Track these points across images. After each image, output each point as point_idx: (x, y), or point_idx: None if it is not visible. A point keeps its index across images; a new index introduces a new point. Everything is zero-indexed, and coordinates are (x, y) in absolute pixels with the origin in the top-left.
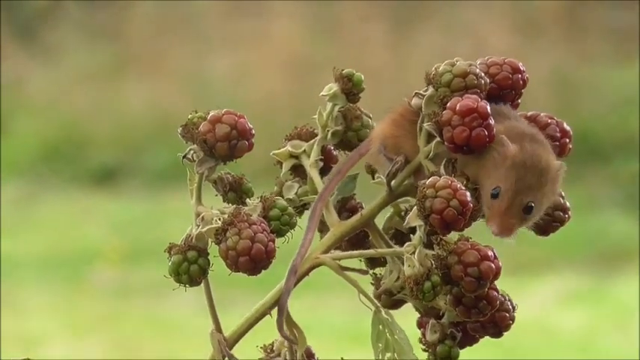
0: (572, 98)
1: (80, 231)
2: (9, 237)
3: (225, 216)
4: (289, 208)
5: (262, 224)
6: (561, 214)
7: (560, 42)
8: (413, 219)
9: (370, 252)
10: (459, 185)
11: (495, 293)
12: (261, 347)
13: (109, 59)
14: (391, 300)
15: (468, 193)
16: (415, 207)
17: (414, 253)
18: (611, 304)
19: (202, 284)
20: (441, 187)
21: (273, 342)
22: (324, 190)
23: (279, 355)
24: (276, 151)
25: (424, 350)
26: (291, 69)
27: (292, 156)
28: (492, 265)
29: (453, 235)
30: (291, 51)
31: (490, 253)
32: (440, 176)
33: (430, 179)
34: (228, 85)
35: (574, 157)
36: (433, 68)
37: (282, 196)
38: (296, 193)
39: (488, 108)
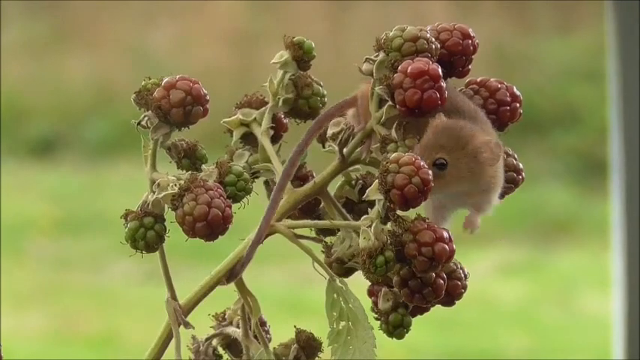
0: (510, 70)
1: (17, 203)
2: None
3: (182, 182)
4: (245, 173)
5: (219, 190)
6: (515, 174)
7: (498, 12)
8: (373, 192)
9: (326, 223)
10: (422, 163)
11: (442, 282)
12: (212, 315)
13: (47, 30)
14: (343, 268)
15: (430, 172)
16: (376, 180)
17: (370, 226)
18: (549, 276)
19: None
20: (404, 164)
21: (225, 310)
22: (301, 145)
23: (230, 323)
24: (227, 119)
25: (376, 319)
26: (232, 41)
27: (243, 124)
28: (446, 247)
29: (411, 213)
30: (232, 23)
31: (445, 234)
32: (391, 141)
33: (394, 154)
34: (168, 57)
35: (512, 129)
36: (383, 34)
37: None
38: (247, 162)
39: (440, 70)
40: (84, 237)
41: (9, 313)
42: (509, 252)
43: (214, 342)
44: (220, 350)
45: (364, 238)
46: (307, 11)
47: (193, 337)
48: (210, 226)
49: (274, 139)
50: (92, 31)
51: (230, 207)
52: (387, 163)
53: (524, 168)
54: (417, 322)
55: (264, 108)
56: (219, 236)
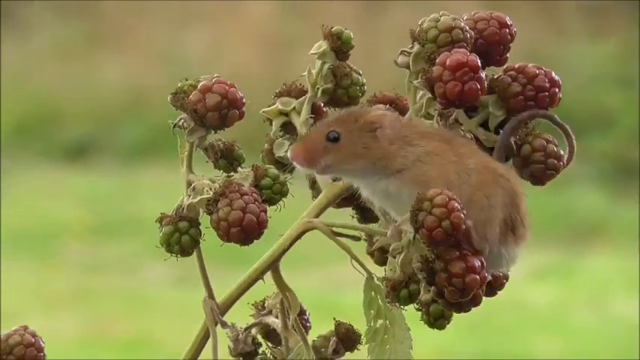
0: None
1: (51, 206)
2: None
3: (217, 186)
4: (281, 176)
5: (254, 194)
6: (555, 161)
7: (530, 17)
8: (405, 223)
9: (362, 226)
10: (456, 205)
11: (480, 293)
12: (252, 304)
13: (81, 34)
14: (384, 257)
15: (463, 215)
16: (408, 213)
17: (400, 253)
18: (581, 280)
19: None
20: (437, 205)
21: (264, 299)
22: None
23: (270, 312)
24: (266, 109)
25: (417, 309)
26: (264, 45)
27: (282, 113)
28: (477, 277)
29: None
30: (264, 27)
31: (477, 264)
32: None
33: (431, 192)
34: (201, 61)
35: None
36: (418, 24)
37: (273, 153)
38: (286, 151)
39: (478, 61)
40: (117, 240)
41: (42, 315)
42: (542, 255)
43: (253, 331)
44: (259, 339)
45: (390, 269)
46: (339, 14)
47: (232, 326)
48: (244, 232)
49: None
50: (125, 36)
51: (265, 211)
52: (422, 199)
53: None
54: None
55: (303, 97)
56: (255, 240)
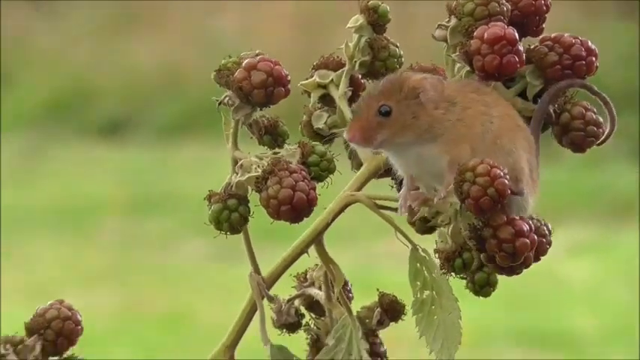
0: None
1: (88, 182)
2: (16, 189)
3: (265, 163)
4: (328, 152)
5: (302, 172)
6: (594, 128)
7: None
8: (450, 194)
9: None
10: (498, 172)
11: (530, 255)
12: (294, 276)
13: (117, 12)
14: (425, 226)
15: (507, 181)
16: (452, 185)
17: (448, 224)
18: (617, 256)
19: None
20: (479, 174)
21: (306, 271)
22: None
23: (312, 284)
24: (304, 82)
25: (462, 278)
26: (298, 22)
27: (320, 86)
28: (527, 240)
29: None
30: (299, 4)
31: (525, 227)
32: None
33: (472, 162)
34: (235, 39)
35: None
36: None
37: (312, 125)
38: (325, 123)
39: (516, 34)
40: (153, 216)
41: (80, 291)
42: (579, 231)
43: (296, 302)
44: (302, 310)
45: (441, 241)
46: None
47: (275, 298)
48: (295, 210)
49: (352, 100)
50: (160, 13)
51: (314, 189)
52: (464, 170)
53: (590, 150)
54: (487, 299)
55: (341, 70)
56: (305, 218)
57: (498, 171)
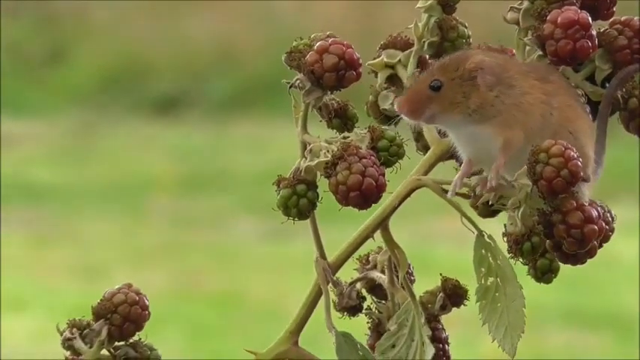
0: None
1: (141, 160)
2: (69, 166)
3: (334, 148)
4: (397, 137)
5: (372, 157)
6: None
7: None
8: (521, 176)
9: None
10: (572, 153)
11: (595, 244)
12: (356, 259)
13: None
14: (488, 210)
15: (580, 163)
16: (525, 166)
17: (518, 208)
18: None
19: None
20: (553, 155)
21: (368, 253)
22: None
23: (375, 267)
24: (372, 62)
25: (524, 264)
26: (355, 1)
27: (388, 66)
28: (596, 227)
29: None
30: None
31: (594, 213)
32: None
33: (545, 143)
34: (291, 15)
35: None
36: None
37: (378, 106)
38: (391, 104)
39: (589, 18)
40: (206, 194)
41: (131, 270)
42: (631, 209)
43: (358, 285)
44: (364, 293)
45: (511, 224)
46: None
47: (337, 281)
48: (363, 196)
49: None
50: None
51: (384, 175)
52: (538, 151)
53: None
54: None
55: (409, 50)
56: (373, 204)
57: (572, 152)
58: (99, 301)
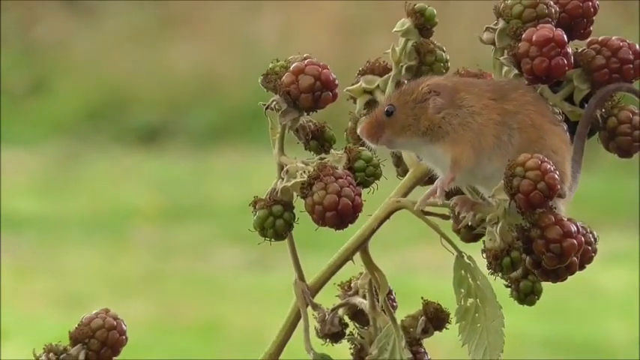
0: None
1: (123, 190)
2: (52, 197)
3: (310, 169)
4: (374, 158)
5: (348, 177)
6: None
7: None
8: (499, 191)
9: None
10: (548, 166)
11: (575, 259)
12: (338, 285)
13: (153, 19)
14: (470, 234)
15: (557, 175)
16: (502, 181)
17: (496, 223)
18: None
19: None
20: (530, 168)
21: (350, 279)
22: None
23: (356, 293)
24: (350, 87)
25: (507, 286)
26: (337, 29)
27: (366, 91)
28: (575, 241)
29: None
30: (336, 12)
31: (573, 228)
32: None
33: (521, 157)
34: (273, 45)
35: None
36: (501, 1)
37: (357, 131)
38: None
39: (565, 36)
40: (189, 224)
41: (113, 299)
42: (614, 240)
43: (340, 311)
44: (346, 319)
45: (490, 240)
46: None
47: (319, 307)
48: (340, 216)
49: None
50: (197, 21)
51: (360, 195)
52: (514, 165)
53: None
54: (521, 308)
55: (387, 75)
56: (349, 225)
57: (549, 165)
58: (76, 325)
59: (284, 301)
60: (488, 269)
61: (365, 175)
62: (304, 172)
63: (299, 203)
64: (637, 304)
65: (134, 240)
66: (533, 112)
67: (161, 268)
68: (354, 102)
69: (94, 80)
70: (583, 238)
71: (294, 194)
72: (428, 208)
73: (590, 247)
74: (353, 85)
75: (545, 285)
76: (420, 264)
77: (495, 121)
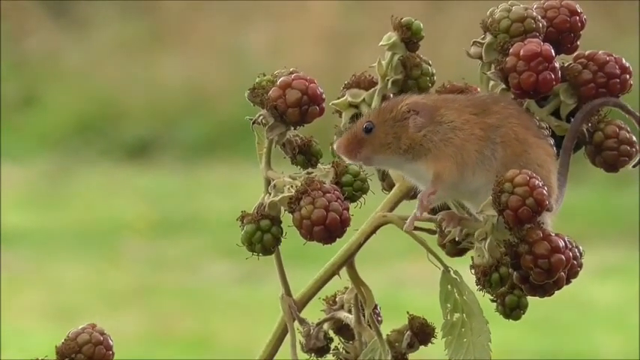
0: None
1: (113, 204)
2: (41, 211)
3: (298, 183)
4: (361, 172)
5: (336, 192)
6: (628, 148)
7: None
8: (487, 207)
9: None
10: (537, 182)
11: (563, 274)
12: (323, 299)
13: (142, 31)
14: (456, 248)
15: (545, 191)
16: (490, 197)
17: (484, 239)
18: None
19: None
20: (518, 184)
21: (335, 294)
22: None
23: (342, 307)
24: (336, 101)
25: (492, 301)
26: (327, 41)
27: (352, 105)
28: (563, 257)
29: None
30: (327, 23)
31: (561, 243)
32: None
33: (509, 173)
34: (263, 58)
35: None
36: (488, 14)
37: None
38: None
39: (552, 51)
40: (179, 238)
41: (104, 313)
42: (605, 253)
43: (325, 326)
44: (331, 334)
45: (478, 255)
46: (402, 11)
47: (304, 322)
48: (328, 230)
49: None
50: (187, 33)
51: (347, 209)
52: (502, 181)
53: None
54: (511, 323)
55: (373, 89)
56: (337, 239)
57: (537, 181)
58: (63, 340)
59: (274, 315)
60: (477, 285)
61: (352, 189)
62: (292, 186)
63: (286, 218)
64: (628, 317)
65: (125, 253)
66: (516, 124)
67: (151, 282)
68: (340, 116)
69: (83, 93)
70: (571, 253)
71: (282, 209)
72: (415, 223)
73: (575, 262)
74: (339, 98)
75: (535, 299)
76: (409, 278)
77: (478, 135)
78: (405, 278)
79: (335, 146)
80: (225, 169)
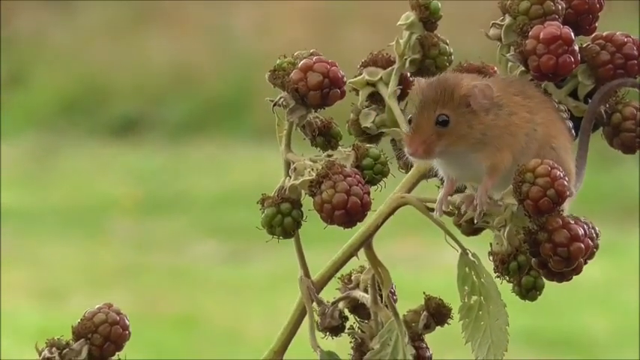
0: None
1: (100, 183)
2: (28, 189)
3: (319, 166)
4: (382, 155)
5: (357, 176)
6: None
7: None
8: (507, 196)
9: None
10: (558, 173)
11: (582, 262)
12: (338, 278)
13: (129, 11)
14: (471, 227)
15: (566, 182)
16: (511, 185)
17: (504, 227)
18: (629, 257)
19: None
20: (540, 175)
21: (350, 273)
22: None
23: (357, 286)
24: (353, 80)
25: (508, 282)
26: (313, 21)
27: (369, 84)
28: (582, 245)
29: None
30: (313, 3)
31: (581, 231)
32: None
33: (532, 162)
34: (249, 37)
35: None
36: None
37: (359, 124)
38: (373, 122)
39: (572, 33)
40: (166, 217)
41: (91, 292)
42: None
43: (340, 305)
44: (346, 313)
45: (497, 243)
46: None
47: (322, 303)
48: (349, 214)
49: (400, 97)
50: (173, 13)
51: (368, 193)
52: (524, 171)
53: (604, 151)
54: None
55: (390, 68)
56: (358, 223)
57: (558, 172)
58: (79, 320)
59: (261, 294)
60: (495, 273)
61: (373, 172)
62: (312, 169)
63: (306, 201)
64: (615, 295)
65: (111, 232)
66: (549, 109)
67: (138, 260)
68: (357, 94)
69: (70, 73)
70: (590, 241)
71: (302, 192)
72: (432, 205)
73: (592, 243)
74: (355, 77)
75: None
76: (400, 258)
77: (527, 119)
78: (395, 258)
79: (409, 150)
80: (211, 148)
